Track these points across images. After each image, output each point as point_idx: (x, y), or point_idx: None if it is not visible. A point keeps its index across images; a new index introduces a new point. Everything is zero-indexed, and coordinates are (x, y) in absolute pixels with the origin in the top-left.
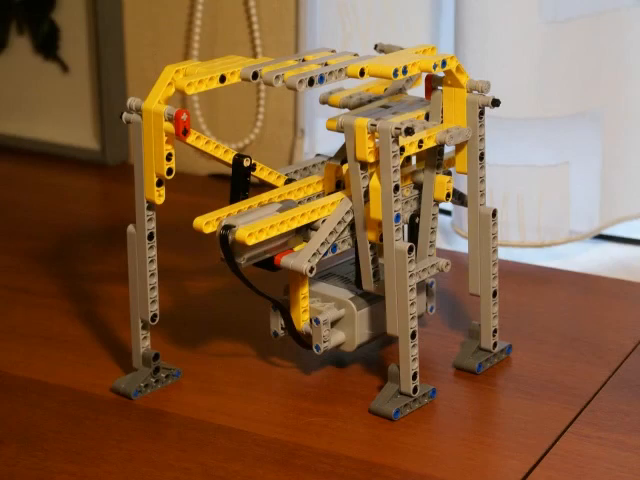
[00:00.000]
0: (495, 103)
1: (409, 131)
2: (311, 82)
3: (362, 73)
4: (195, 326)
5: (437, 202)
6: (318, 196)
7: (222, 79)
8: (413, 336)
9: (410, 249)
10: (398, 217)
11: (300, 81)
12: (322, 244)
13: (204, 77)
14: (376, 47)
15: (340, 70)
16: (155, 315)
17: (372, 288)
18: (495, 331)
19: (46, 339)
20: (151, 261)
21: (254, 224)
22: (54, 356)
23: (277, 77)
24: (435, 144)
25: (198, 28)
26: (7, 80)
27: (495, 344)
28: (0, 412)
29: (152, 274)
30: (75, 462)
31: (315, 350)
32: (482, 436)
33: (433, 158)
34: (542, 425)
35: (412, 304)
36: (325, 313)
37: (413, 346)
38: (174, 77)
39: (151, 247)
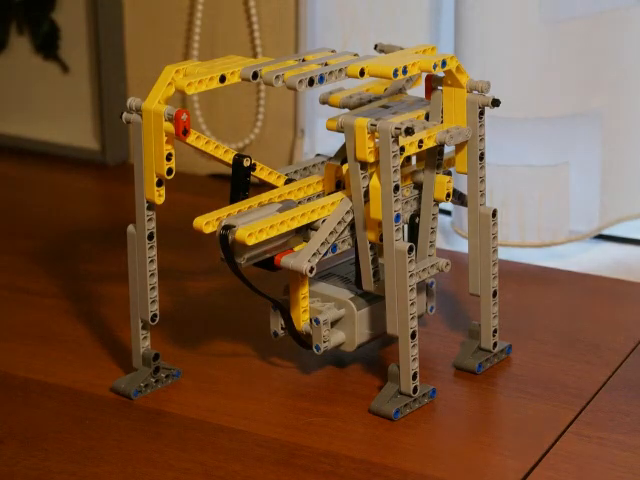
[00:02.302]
0: (495, 103)
1: (409, 131)
2: (311, 82)
3: (362, 73)
4: (195, 326)
5: (437, 202)
6: (318, 196)
7: (222, 79)
8: (413, 336)
9: (410, 249)
10: (398, 217)
11: (300, 81)
12: (322, 244)
13: (204, 77)
14: (376, 47)
15: (340, 70)
16: (155, 315)
17: (372, 288)
18: (495, 331)
19: (46, 339)
20: (151, 261)
21: (254, 224)
22: (54, 356)
23: (277, 77)
24: (435, 144)
25: (198, 28)
26: (7, 80)
27: (495, 344)
28: (0, 412)
29: (152, 274)
30: (75, 462)
31: (315, 350)
32: (482, 436)
33: (433, 158)
34: (542, 425)
35: (412, 304)
36: (325, 313)
37: (413, 346)
38: (174, 77)
39: (151, 247)
